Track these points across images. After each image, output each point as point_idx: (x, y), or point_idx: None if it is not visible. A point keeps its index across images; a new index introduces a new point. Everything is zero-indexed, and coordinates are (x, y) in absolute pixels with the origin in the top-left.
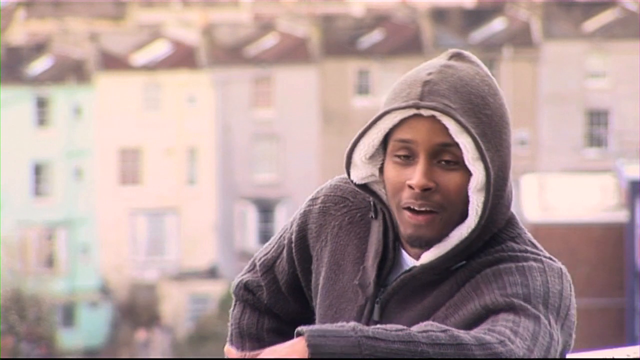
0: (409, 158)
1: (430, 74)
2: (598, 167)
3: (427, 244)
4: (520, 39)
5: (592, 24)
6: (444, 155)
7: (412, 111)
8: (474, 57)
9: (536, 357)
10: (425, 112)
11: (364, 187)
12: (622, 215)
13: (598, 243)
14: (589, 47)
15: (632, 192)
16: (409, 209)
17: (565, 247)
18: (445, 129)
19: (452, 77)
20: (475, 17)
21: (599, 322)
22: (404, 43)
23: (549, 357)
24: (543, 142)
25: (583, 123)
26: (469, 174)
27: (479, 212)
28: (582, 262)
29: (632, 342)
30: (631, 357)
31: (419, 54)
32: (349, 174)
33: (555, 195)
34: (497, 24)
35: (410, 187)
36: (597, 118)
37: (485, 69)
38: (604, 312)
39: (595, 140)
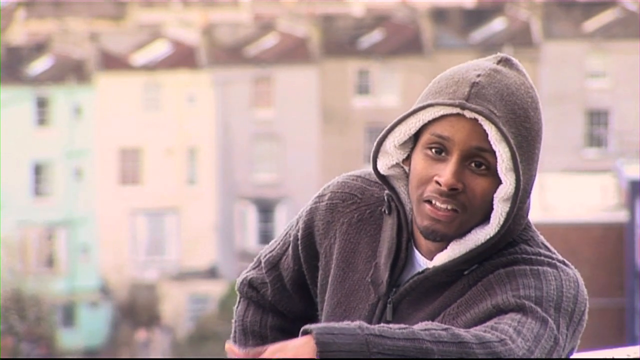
0: (441, 154)
1: (479, 75)
2: (598, 167)
3: (441, 239)
4: (520, 39)
5: (592, 24)
6: (477, 158)
7: (456, 109)
8: (521, 66)
9: (536, 359)
10: (468, 114)
11: (384, 181)
12: (622, 215)
13: (598, 243)
14: (589, 47)
15: (632, 192)
16: (430, 202)
17: (565, 247)
18: (485, 134)
19: (500, 84)
20: (475, 17)
21: (599, 322)
22: (404, 43)
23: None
24: (543, 142)
25: (583, 123)
26: (497, 182)
27: (501, 222)
28: (582, 262)
29: (632, 342)
30: (631, 357)
31: (419, 54)
32: (375, 164)
33: (555, 195)
34: (497, 24)
35: (438, 183)
36: (597, 118)
37: (530, 79)
38: (604, 312)
39: (595, 140)
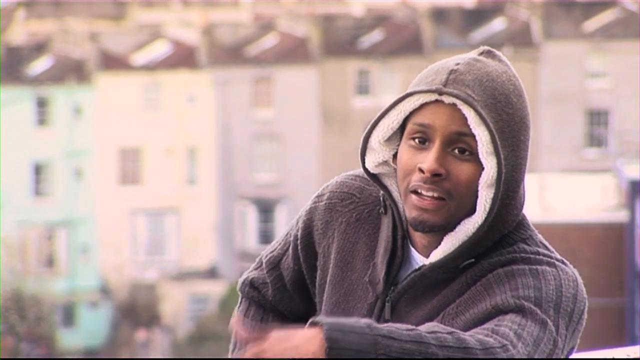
0: (424, 143)
1: (458, 64)
2: (598, 167)
3: (430, 229)
4: (520, 39)
5: (592, 24)
6: (459, 144)
7: (435, 96)
8: (504, 58)
9: None
10: (447, 99)
11: (376, 179)
12: (622, 215)
13: (598, 243)
14: (589, 47)
15: (632, 192)
16: (415, 192)
17: (565, 247)
18: (465, 118)
19: (479, 71)
20: (475, 17)
21: (599, 322)
22: (404, 43)
23: None
24: (543, 142)
25: (583, 123)
26: (481, 168)
27: (487, 208)
28: (582, 262)
29: (632, 342)
30: (631, 357)
31: (419, 54)
32: (363, 162)
33: (555, 195)
34: (497, 24)
35: (421, 170)
36: (597, 118)
37: (514, 70)
38: (604, 312)
39: (595, 140)
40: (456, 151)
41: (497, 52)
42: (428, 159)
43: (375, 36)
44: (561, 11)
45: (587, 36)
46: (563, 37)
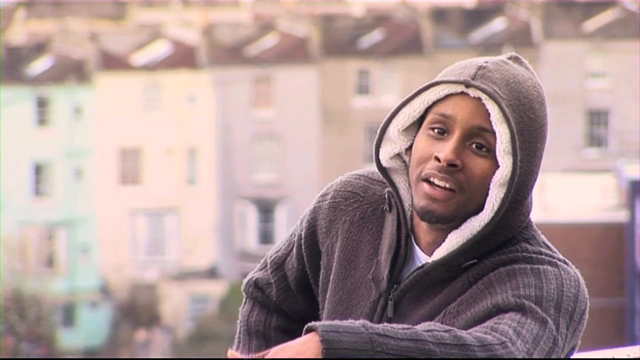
0: (443, 134)
1: (486, 62)
2: (598, 167)
3: (437, 220)
4: (520, 39)
5: (592, 24)
6: (478, 139)
7: (461, 88)
8: (530, 66)
9: None
10: (472, 92)
11: (385, 174)
12: (622, 215)
13: (598, 243)
14: (589, 47)
15: (632, 192)
16: (428, 180)
17: (565, 247)
18: (487, 114)
19: (507, 72)
20: (475, 17)
21: (599, 322)
22: (404, 43)
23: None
24: None
25: (583, 123)
26: (496, 166)
27: (495, 208)
28: (582, 262)
29: (632, 342)
30: (631, 357)
31: (419, 54)
32: (377, 153)
33: (555, 195)
34: (497, 24)
35: (437, 159)
36: (597, 118)
37: (538, 79)
38: (604, 312)
39: (595, 140)
40: (474, 146)
41: (524, 60)
42: (446, 149)
43: (375, 36)
44: (561, 11)
45: (587, 36)
46: (563, 37)
